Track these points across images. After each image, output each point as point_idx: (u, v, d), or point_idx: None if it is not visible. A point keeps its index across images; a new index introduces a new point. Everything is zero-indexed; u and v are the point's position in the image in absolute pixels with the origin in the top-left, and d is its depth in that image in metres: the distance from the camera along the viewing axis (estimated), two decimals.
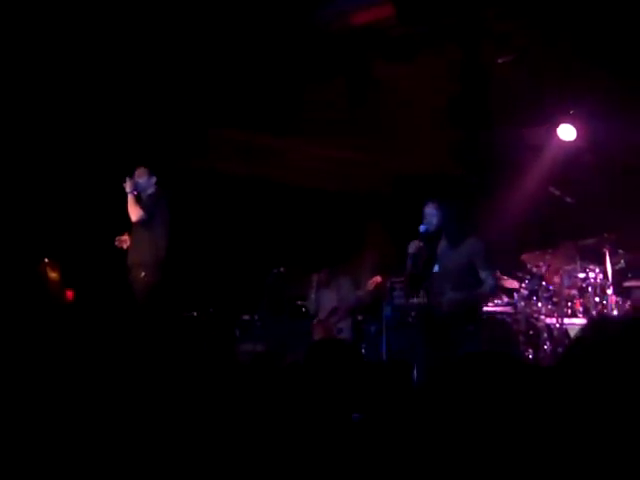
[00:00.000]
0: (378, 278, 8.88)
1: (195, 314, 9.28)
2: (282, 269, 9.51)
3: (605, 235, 7.27)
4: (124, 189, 7.04)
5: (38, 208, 8.66)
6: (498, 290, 7.18)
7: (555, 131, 8.16)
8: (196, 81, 8.31)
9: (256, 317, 9.37)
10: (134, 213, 6.98)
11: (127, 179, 7.05)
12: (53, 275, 9.95)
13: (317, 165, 10.20)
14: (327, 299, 8.88)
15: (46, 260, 9.82)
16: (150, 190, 7.19)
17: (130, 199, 7.02)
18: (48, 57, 7.58)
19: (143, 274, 6.78)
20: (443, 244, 5.93)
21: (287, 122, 8.88)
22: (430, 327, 5.93)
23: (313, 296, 8.94)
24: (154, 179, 7.21)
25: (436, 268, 5.91)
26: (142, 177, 7.18)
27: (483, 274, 5.74)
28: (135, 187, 7.08)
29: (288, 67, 8.16)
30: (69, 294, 10.07)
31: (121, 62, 7.75)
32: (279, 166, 10.10)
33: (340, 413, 2.72)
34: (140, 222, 6.94)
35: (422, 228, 5.83)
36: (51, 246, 9.68)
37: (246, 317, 9.35)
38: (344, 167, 10.43)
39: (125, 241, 7.12)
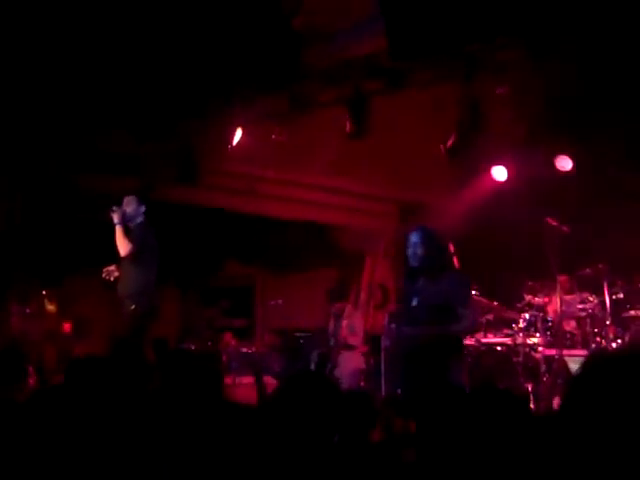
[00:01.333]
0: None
1: (193, 347, 9.27)
2: (280, 301, 9.52)
3: (601, 265, 7.27)
4: (111, 220, 6.87)
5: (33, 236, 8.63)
6: (477, 326, 7.04)
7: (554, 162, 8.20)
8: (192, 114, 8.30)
9: (254, 349, 9.35)
10: (123, 247, 6.78)
11: (115, 208, 6.88)
12: (50, 307, 9.94)
13: (319, 198, 10.20)
14: (340, 329, 8.88)
15: (44, 292, 9.83)
16: (138, 220, 7.02)
17: (118, 231, 6.83)
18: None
19: (133, 306, 6.63)
20: (422, 278, 5.72)
21: (286, 156, 8.87)
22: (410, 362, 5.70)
23: (332, 326, 8.93)
24: (143, 208, 7.05)
25: (414, 302, 5.59)
26: (130, 206, 7.01)
27: (460, 310, 5.41)
28: (123, 217, 6.90)
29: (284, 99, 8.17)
30: (66, 326, 10.06)
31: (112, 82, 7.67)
32: (275, 199, 10.08)
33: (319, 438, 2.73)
34: (129, 255, 6.81)
35: (413, 263, 5.63)
36: (48, 278, 9.68)
37: (244, 349, 9.32)
38: (346, 200, 10.43)
39: (113, 272, 6.96)
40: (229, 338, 9.75)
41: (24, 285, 9.22)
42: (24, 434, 2.86)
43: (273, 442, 2.66)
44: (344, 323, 8.88)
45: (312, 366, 8.72)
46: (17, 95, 7.55)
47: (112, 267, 6.95)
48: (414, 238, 5.58)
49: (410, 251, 5.57)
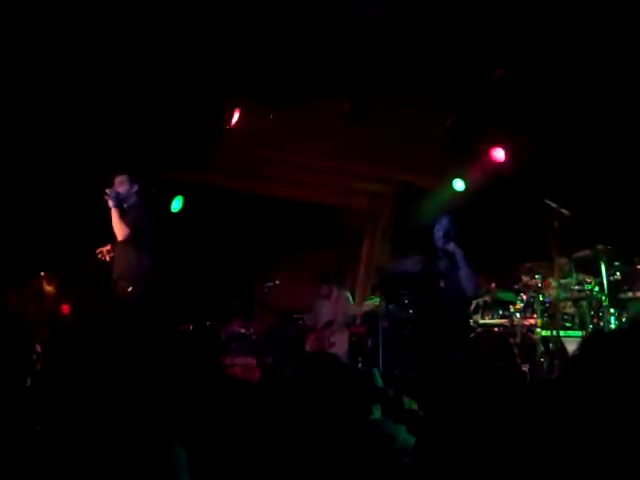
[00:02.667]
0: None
1: (191, 328, 9.28)
2: (277, 282, 9.51)
3: (599, 247, 7.27)
4: (106, 203, 6.75)
5: (32, 220, 8.62)
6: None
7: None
8: (195, 95, 8.28)
9: (251, 330, 9.35)
10: (120, 231, 6.70)
11: (108, 191, 6.74)
12: (49, 289, 9.93)
13: (315, 179, 10.19)
14: (325, 312, 8.87)
15: (42, 274, 9.81)
16: (132, 200, 6.91)
17: (114, 215, 6.73)
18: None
19: (130, 288, 6.54)
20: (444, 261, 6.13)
21: (285, 137, 8.87)
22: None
23: (315, 308, 8.93)
24: (135, 187, 6.93)
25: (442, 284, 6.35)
26: (123, 185, 6.88)
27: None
28: (117, 198, 6.77)
29: (288, 82, 8.15)
30: (65, 308, 10.05)
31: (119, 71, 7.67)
32: (276, 180, 10.08)
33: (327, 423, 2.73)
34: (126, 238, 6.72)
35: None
36: (47, 260, 9.66)
37: (242, 330, 9.32)
38: (343, 181, 10.42)
39: (108, 253, 6.89)
40: (230, 319, 9.74)
41: (23, 267, 9.21)
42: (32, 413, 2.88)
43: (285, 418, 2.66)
44: (327, 308, 8.86)
45: (307, 347, 8.74)
46: (12, 80, 7.54)
47: (107, 247, 6.90)
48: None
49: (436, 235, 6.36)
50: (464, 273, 6.33)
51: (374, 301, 9.01)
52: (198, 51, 7.57)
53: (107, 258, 6.84)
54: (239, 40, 7.43)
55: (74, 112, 8.05)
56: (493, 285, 7.98)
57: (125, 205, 6.88)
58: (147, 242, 6.82)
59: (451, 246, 6.60)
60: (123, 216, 6.80)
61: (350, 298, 9.17)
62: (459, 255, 6.50)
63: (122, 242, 6.74)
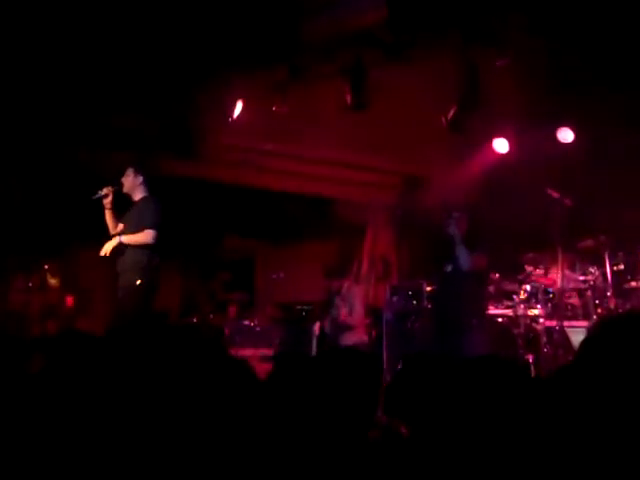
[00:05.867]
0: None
1: (195, 320, 9.31)
2: (281, 274, 9.53)
3: (602, 237, 7.27)
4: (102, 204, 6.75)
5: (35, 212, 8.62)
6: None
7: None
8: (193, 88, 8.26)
9: (256, 322, 9.37)
10: (111, 228, 6.79)
11: (103, 193, 6.71)
12: (53, 281, 9.96)
13: (317, 171, 10.18)
14: (339, 307, 8.79)
15: (46, 266, 9.84)
16: (139, 193, 6.86)
17: (108, 216, 6.79)
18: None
19: (139, 281, 6.47)
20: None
21: (287, 129, 8.84)
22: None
23: (335, 302, 8.86)
24: (140, 178, 6.84)
25: (449, 268, 6.67)
26: (128, 178, 6.83)
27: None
28: (121, 189, 6.77)
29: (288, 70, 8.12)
30: (69, 300, 10.09)
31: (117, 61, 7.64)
32: (277, 172, 10.07)
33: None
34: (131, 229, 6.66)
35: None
36: (51, 252, 9.68)
37: (246, 322, 9.34)
38: (344, 172, 10.41)
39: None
40: (233, 311, 9.76)
41: (27, 259, 9.23)
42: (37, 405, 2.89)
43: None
44: (342, 302, 8.82)
45: (314, 339, 8.74)
46: (16, 71, 7.51)
47: (114, 242, 6.76)
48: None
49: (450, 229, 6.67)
50: (461, 253, 6.58)
51: None
52: (200, 40, 7.54)
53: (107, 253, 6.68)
54: (238, 26, 7.40)
55: (75, 99, 8.03)
56: (496, 275, 8.00)
57: (132, 196, 6.84)
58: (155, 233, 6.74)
59: (451, 229, 6.72)
60: (131, 209, 6.80)
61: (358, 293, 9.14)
62: (458, 238, 6.67)
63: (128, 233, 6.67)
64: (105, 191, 6.71)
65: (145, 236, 6.55)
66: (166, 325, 7.05)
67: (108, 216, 6.79)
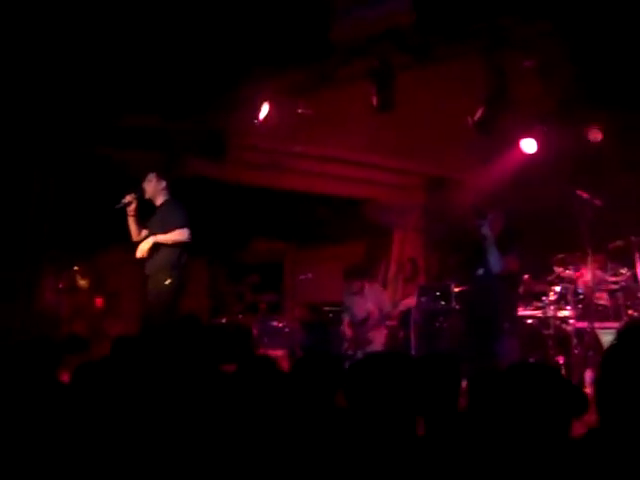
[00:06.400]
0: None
1: (224, 321, 9.36)
2: (309, 275, 9.55)
3: (633, 238, 7.22)
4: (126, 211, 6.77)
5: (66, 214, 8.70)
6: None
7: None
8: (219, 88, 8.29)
9: (284, 323, 9.40)
10: (133, 234, 6.83)
11: (126, 201, 6.73)
12: (82, 283, 10.05)
13: (345, 173, 10.19)
14: (358, 308, 8.75)
15: (76, 268, 9.93)
16: (162, 197, 6.87)
17: (131, 222, 6.81)
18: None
19: (168, 281, 6.50)
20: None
21: (314, 131, 8.85)
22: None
23: (347, 304, 8.80)
24: (163, 183, 6.85)
25: (480, 271, 6.60)
26: (150, 183, 6.83)
27: None
28: (143, 195, 6.78)
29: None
30: (98, 301, 10.17)
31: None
32: (305, 174, 10.09)
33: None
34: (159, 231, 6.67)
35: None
36: (80, 254, 9.76)
37: (274, 323, 9.37)
38: (375, 174, 10.41)
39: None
40: (263, 312, 9.77)
41: (57, 261, 9.31)
42: (71, 408, 2.93)
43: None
44: (363, 301, 8.77)
45: (340, 339, 8.71)
46: (47, 72, 7.58)
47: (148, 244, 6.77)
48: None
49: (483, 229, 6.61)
50: (492, 255, 6.52)
51: None
52: (228, 43, 7.57)
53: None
54: (267, 27, 7.43)
55: (107, 101, 8.09)
56: (526, 277, 7.97)
57: (154, 200, 6.85)
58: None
59: (484, 230, 6.65)
60: (155, 213, 6.81)
61: (382, 293, 9.11)
62: (490, 240, 6.60)
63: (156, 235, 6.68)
64: (128, 199, 6.73)
65: (180, 234, 6.58)
66: (198, 326, 7.05)
67: (131, 223, 6.81)
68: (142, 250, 6.58)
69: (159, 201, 6.86)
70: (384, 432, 2.45)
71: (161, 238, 6.57)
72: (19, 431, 2.90)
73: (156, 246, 6.61)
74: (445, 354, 3.49)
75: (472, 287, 7.15)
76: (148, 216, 6.88)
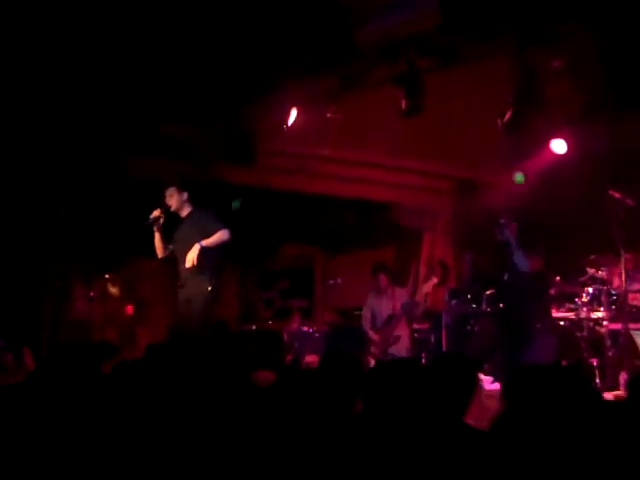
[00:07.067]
0: (435, 280, 8.89)
1: (254, 327, 9.38)
2: (338, 280, 9.53)
3: None
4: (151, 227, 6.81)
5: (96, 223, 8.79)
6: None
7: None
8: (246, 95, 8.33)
9: (314, 328, 9.39)
10: (159, 251, 6.89)
11: (153, 218, 6.75)
12: (113, 291, 10.14)
13: (374, 176, 10.18)
14: (383, 307, 8.79)
15: (107, 276, 10.03)
16: (186, 208, 6.90)
17: (157, 238, 6.85)
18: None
19: (210, 287, 6.50)
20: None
21: (343, 135, 8.86)
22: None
23: (370, 304, 8.85)
24: (185, 195, 6.88)
25: (506, 276, 6.78)
26: (172, 198, 6.85)
27: None
28: (168, 210, 6.81)
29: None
30: (129, 309, 10.26)
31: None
32: (334, 178, 10.09)
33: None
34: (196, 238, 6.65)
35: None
36: (111, 262, 9.85)
37: (304, 329, 9.37)
38: (404, 178, 10.39)
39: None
40: (297, 318, 9.76)
41: (88, 269, 9.41)
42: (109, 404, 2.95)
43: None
44: (388, 301, 8.77)
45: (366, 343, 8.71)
46: (74, 82, 7.66)
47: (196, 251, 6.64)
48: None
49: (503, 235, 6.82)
50: (518, 257, 6.57)
51: None
52: (255, 49, 7.61)
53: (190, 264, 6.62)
54: (294, 33, 7.45)
55: (137, 112, 8.16)
56: (558, 278, 7.90)
57: (181, 215, 6.89)
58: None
59: (505, 235, 6.68)
60: (181, 225, 6.85)
61: (407, 293, 9.11)
62: (514, 243, 6.64)
63: (190, 244, 6.62)
64: (156, 214, 6.75)
65: (223, 234, 6.62)
66: (228, 332, 7.09)
67: (157, 239, 6.85)
68: (191, 259, 6.54)
69: (185, 212, 6.90)
70: (398, 439, 2.45)
71: (206, 242, 6.56)
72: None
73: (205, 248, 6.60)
74: (460, 356, 3.48)
75: (502, 289, 7.17)
76: (170, 232, 6.91)
